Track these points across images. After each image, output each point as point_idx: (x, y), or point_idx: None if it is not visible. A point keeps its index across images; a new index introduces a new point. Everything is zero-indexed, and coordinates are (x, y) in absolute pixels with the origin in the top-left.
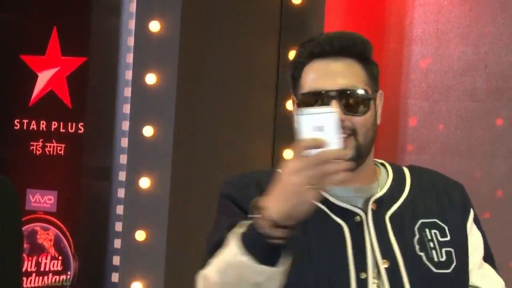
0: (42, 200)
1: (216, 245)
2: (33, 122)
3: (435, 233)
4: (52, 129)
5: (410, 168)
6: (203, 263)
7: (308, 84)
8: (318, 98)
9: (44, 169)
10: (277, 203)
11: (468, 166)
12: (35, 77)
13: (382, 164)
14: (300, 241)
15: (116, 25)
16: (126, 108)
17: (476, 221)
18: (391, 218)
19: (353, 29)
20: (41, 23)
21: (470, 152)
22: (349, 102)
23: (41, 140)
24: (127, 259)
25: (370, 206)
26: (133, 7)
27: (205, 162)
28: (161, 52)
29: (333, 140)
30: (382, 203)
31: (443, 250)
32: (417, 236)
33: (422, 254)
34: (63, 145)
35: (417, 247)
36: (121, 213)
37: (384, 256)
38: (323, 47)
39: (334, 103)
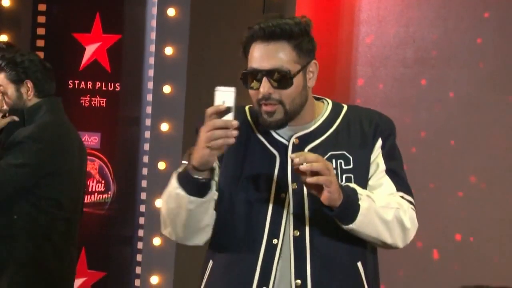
0: (89, 139)
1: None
2: (82, 82)
3: (340, 162)
4: (97, 88)
5: (350, 107)
6: None
7: (249, 63)
8: (253, 75)
9: (90, 117)
10: (194, 154)
11: (400, 114)
12: (83, 49)
13: (329, 103)
14: (237, 168)
15: (142, 11)
16: (151, 72)
17: (386, 146)
18: (310, 150)
19: (315, 13)
20: (86, 9)
21: (401, 104)
22: (276, 79)
23: (88, 95)
24: (152, 183)
25: (292, 141)
26: None
27: None
28: (176, 31)
29: (228, 112)
30: (306, 138)
31: (344, 175)
32: None
33: None
34: (104, 99)
35: None
36: (147, 149)
37: (293, 180)
38: (258, 33)
39: (264, 79)
